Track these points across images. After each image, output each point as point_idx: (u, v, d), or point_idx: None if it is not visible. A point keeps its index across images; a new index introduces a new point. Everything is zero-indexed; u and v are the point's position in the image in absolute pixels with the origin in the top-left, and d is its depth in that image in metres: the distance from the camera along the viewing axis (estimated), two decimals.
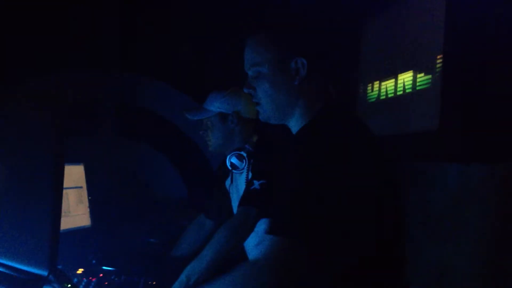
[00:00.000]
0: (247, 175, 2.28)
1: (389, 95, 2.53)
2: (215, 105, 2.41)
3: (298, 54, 1.53)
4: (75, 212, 2.63)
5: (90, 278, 2.06)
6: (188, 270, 2.00)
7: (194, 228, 2.72)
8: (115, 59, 3.13)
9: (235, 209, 2.34)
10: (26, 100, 1.13)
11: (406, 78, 2.39)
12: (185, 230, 2.73)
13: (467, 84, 2.02)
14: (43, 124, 1.05)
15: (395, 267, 1.48)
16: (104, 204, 2.87)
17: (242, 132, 2.40)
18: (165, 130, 3.70)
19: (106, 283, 2.07)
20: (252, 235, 2.10)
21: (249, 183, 2.19)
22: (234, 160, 2.30)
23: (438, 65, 2.15)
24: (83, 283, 2.01)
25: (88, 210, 2.75)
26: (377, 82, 2.65)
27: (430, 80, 2.20)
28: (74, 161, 2.72)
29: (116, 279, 2.12)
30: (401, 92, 2.42)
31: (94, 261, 2.28)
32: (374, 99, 2.69)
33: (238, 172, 2.33)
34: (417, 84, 2.29)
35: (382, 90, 2.61)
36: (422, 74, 2.25)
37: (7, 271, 1.10)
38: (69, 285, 1.07)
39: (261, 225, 2.05)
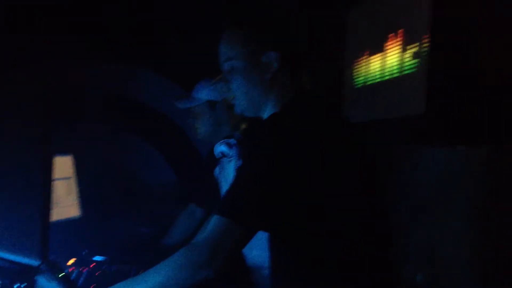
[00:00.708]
0: (236, 163, 2.28)
1: (376, 80, 2.54)
2: (204, 93, 2.41)
3: (269, 48, 1.56)
4: (65, 203, 2.63)
5: (81, 268, 2.07)
6: None
7: (184, 217, 2.72)
8: (103, 49, 3.11)
9: None
10: (15, 90, 1.13)
11: (392, 62, 2.40)
12: (176, 219, 2.74)
13: (453, 68, 2.04)
14: (31, 115, 1.05)
15: (371, 253, 1.49)
16: (94, 194, 2.87)
17: (231, 120, 2.41)
18: (153, 119, 3.69)
19: (98, 272, 2.08)
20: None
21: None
22: (223, 148, 2.30)
23: (424, 49, 2.16)
24: (74, 274, 2.02)
25: (78, 201, 2.74)
26: (364, 67, 2.66)
27: (416, 64, 2.21)
28: (63, 151, 2.71)
29: (107, 268, 2.12)
30: (387, 77, 2.43)
31: (85, 252, 2.28)
32: (360, 84, 2.70)
33: (227, 160, 2.34)
34: (404, 68, 2.30)
35: (368, 75, 2.62)
36: (409, 58, 2.26)
37: None
38: (62, 274, 1.08)
39: None
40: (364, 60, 2.65)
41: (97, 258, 2.22)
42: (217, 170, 2.50)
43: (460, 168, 1.96)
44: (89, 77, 3.43)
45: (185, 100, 2.48)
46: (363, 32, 2.69)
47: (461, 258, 1.94)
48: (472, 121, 1.97)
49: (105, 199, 3.05)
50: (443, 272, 2.02)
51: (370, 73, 2.59)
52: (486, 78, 1.95)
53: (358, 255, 1.46)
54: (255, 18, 1.64)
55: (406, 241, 2.15)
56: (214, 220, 1.40)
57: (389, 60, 2.42)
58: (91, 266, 2.12)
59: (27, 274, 1.11)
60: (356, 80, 2.75)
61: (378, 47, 2.52)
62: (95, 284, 1.92)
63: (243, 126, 2.36)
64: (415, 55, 2.22)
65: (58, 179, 2.63)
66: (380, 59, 2.50)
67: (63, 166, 2.70)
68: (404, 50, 2.31)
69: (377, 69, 2.52)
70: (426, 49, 2.14)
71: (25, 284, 1.12)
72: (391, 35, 2.42)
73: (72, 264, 2.11)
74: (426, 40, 2.15)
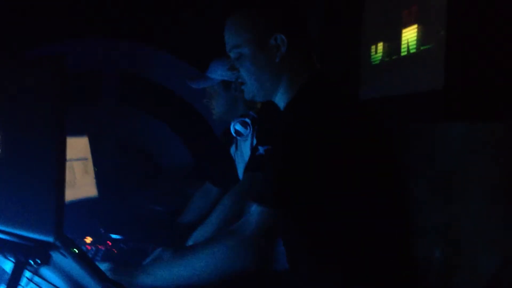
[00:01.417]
0: (252, 141, 2.27)
1: (393, 56, 2.50)
2: (218, 73, 2.40)
3: (276, 31, 1.52)
4: (82, 183, 2.64)
5: (99, 246, 2.09)
6: (195, 236, 2.01)
7: (200, 196, 2.73)
8: (119, 28, 3.11)
9: (240, 176, 2.34)
10: (27, 69, 1.12)
11: (410, 38, 2.36)
12: (192, 198, 2.75)
13: (472, 43, 2.00)
14: (44, 93, 1.04)
15: (393, 243, 1.48)
16: (111, 174, 2.88)
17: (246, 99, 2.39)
18: (168, 99, 3.69)
19: (115, 250, 2.09)
20: None
21: (254, 149, 2.19)
22: (238, 127, 2.29)
23: (441, 25, 2.12)
24: (91, 252, 2.03)
25: (95, 180, 2.76)
26: (381, 43, 2.62)
27: (434, 40, 2.18)
28: (79, 131, 2.72)
29: (124, 246, 2.14)
30: (405, 53, 2.40)
31: (102, 230, 2.30)
32: (378, 61, 2.67)
33: (243, 139, 2.33)
34: (421, 44, 2.27)
35: (386, 51, 2.58)
36: (426, 34, 2.23)
37: (13, 239, 1.11)
38: (76, 249, 1.08)
39: None
40: (382, 37, 2.62)
41: (114, 236, 2.24)
42: (232, 148, 2.50)
43: (479, 143, 1.93)
44: (106, 57, 3.43)
45: (199, 80, 2.47)
46: (380, 8, 2.65)
47: (480, 235, 1.92)
48: (491, 95, 1.94)
49: (121, 179, 3.07)
50: (460, 250, 2.00)
51: (388, 49, 2.56)
52: (505, 53, 1.92)
53: (386, 246, 1.45)
54: (257, 1, 1.59)
55: (423, 219, 2.14)
56: (253, 209, 1.38)
57: (407, 35, 2.38)
58: (108, 244, 2.13)
59: (42, 250, 1.11)
60: (373, 57, 2.71)
61: (396, 23, 2.48)
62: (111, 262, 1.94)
63: (258, 105, 2.35)
64: (433, 30, 2.18)
65: (75, 159, 2.64)
66: (397, 35, 2.46)
67: (80, 147, 2.71)
68: (422, 24, 2.27)
69: (395, 45, 2.49)
70: (444, 23, 2.10)
71: (40, 260, 1.12)
72: (407, 10, 2.39)
73: (89, 243, 2.13)
74: (443, 16, 2.11)
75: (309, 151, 1.37)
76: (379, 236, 1.44)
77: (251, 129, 2.28)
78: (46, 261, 1.14)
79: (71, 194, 2.52)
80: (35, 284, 1.28)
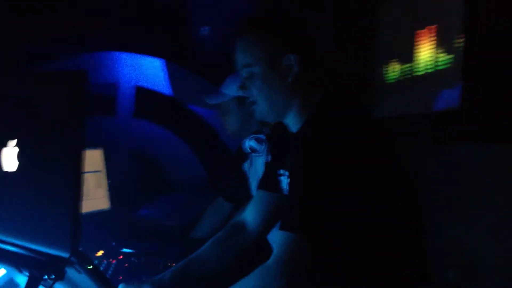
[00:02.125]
0: (266, 158, 2.27)
1: (408, 75, 2.50)
2: (233, 89, 2.40)
3: (288, 51, 1.52)
4: (94, 195, 2.66)
5: (110, 260, 2.08)
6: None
7: (212, 211, 2.73)
8: (134, 42, 3.13)
9: (253, 192, 2.34)
10: (47, 84, 1.13)
11: (426, 56, 2.35)
12: (204, 213, 2.75)
13: (489, 63, 1.99)
14: (63, 108, 1.05)
15: (409, 260, 1.48)
16: (123, 187, 2.89)
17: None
18: (183, 113, 3.70)
19: (126, 264, 2.09)
20: None
21: (268, 166, 2.18)
22: (252, 143, 2.29)
23: (459, 45, 2.11)
24: (103, 265, 2.03)
25: (107, 193, 2.77)
26: (396, 62, 2.62)
27: (452, 60, 2.17)
28: (93, 143, 2.74)
29: (136, 260, 2.13)
30: (421, 72, 2.39)
31: (114, 244, 2.30)
32: (393, 80, 2.66)
33: (257, 155, 2.33)
34: (438, 63, 2.26)
35: (401, 70, 2.58)
36: (443, 54, 2.22)
37: (30, 254, 1.11)
38: (91, 266, 1.08)
39: None
40: (397, 55, 2.61)
41: (125, 250, 2.24)
42: (246, 165, 2.50)
43: (495, 165, 1.91)
44: (121, 71, 3.45)
45: (214, 96, 2.47)
46: (395, 27, 2.64)
47: (492, 256, 1.89)
48: (507, 117, 1.92)
49: (133, 192, 3.07)
50: (473, 269, 1.98)
51: (403, 68, 2.55)
52: None
53: (388, 266, 1.46)
54: (270, 21, 1.59)
55: (438, 237, 2.12)
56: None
57: (422, 55, 2.38)
58: (120, 257, 2.13)
59: (57, 265, 1.11)
60: (388, 75, 2.71)
61: (410, 42, 2.47)
62: (123, 276, 1.94)
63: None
64: (450, 50, 2.17)
65: (88, 172, 2.65)
66: (412, 53, 2.46)
67: (94, 159, 2.72)
68: (438, 44, 2.26)
69: (410, 64, 2.48)
70: (461, 44, 2.10)
71: (55, 275, 1.12)
72: (424, 29, 2.38)
73: (101, 256, 2.13)
74: (460, 35, 2.11)
75: (331, 174, 1.37)
76: (394, 251, 1.45)
77: (265, 145, 2.27)
78: (61, 276, 1.14)
79: (84, 206, 2.51)
80: None
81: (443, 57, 2.22)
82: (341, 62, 2.92)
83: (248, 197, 2.34)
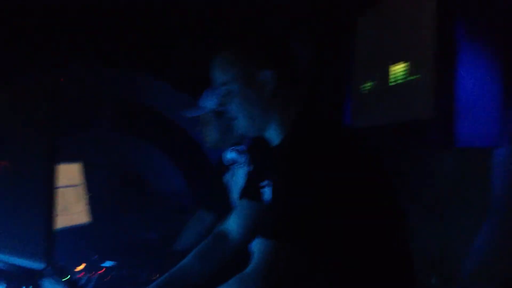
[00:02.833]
0: (248, 168, 2.28)
1: (384, 86, 2.53)
2: (211, 102, 2.42)
3: (264, 67, 1.54)
4: (74, 209, 2.64)
5: (92, 273, 2.08)
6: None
7: (194, 223, 2.73)
8: (113, 56, 3.14)
9: (235, 203, 2.35)
10: (21, 96, 1.14)
11: (399, 69, 2.40)
12: (186, 225, 2.75)
13: (461, 73, 2.03)
14: (38, 119, 1.05)
15: (391, 263, 1.50)
16: (103, 201, 2.88)
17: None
18: (163, 126, 3.71)
19: (108, 277, 2.08)
20: None
21: (249, 176, 2.20)
22: (233, 155, 2.31)
23: (430, 56, 2.16)
24: (84, 279, 2.02)
25: (88, 207, 2.76)
26: (371, 73, 2.66)
27: (422, 70, 2.21)
28: (72, 157, 2.73)
29: (117, 274, 2.13)
30: (394, 82, 2.43)
31: (94, 257, 2.29)
32: (367, 91, 2.70)
33: (238, 166, 2.34)
34: (410, 74, 2.30)
35: (376, 81, 2.61)
36: (415, 64, 2.26)
37: (4, 267, 1.12)
38: (67, 277, 1.08)
39: None
40: (372, 67, 2.65)
41: (107, 263, 2.23)
42: (227, 176, 2.51)
43: (470, 170, 1.95)
44: (99, 84, 3.45)
45: (192, 109, 2.49)
46: (371, 38, 2.69)
47: (475, 260, 1.92)
48: (478, 124, 1.96)
49: (114, 205, 3.06)
50: (457, 274, 2.01)
51: (377, 79, 2.59)
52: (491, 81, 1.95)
53: (384, 263, 1.47)
54: (245, 38, 1.60)
55: (419, 244, 2.15)
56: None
57: (396, 66, 2.42)
58: (101, 271, 2.13)
59: (32, 278, 1.12)
60: (363, 86, 2.75)
61: (385, 54, 2.52)
62: None
63: None
64: (422, 61, 2.22)
65: (68, 186, 2.65)
66: (387, 65, 2.50)
67: (72, 174, 2.71)
68: (410, 57, 2.31)
69: (384, 75, 2.52)
70: (432, 56, 2.14)
71: (32, 287, 1.13)
72: (398, 42, 2.42)
73: (82, 269, 2.12)
74: (432, 48, 2.15)
75: (313, 185, 1.38)
76: (376, 258, 1.46)
77: (246, 156, 2.29)
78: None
79: (64, 220, 2.51)
80: None
81: (416, 69, 2.26)
82: (318, 76, 2.95)
83: (229, 208, 2.35)
